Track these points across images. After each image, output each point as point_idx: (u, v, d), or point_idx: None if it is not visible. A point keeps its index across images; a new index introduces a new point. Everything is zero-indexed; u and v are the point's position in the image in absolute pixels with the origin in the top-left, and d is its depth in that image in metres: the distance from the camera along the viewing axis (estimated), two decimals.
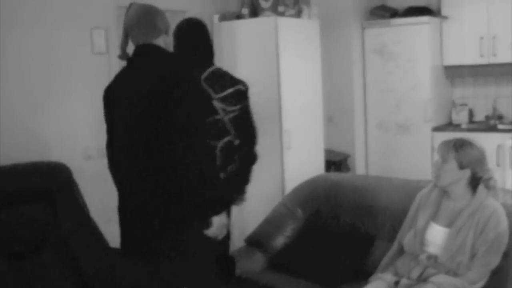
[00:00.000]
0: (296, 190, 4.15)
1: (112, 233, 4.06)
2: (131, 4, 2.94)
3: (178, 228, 2.79)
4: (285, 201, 4.12)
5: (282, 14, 5.20)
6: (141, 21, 2.86)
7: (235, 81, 3.61)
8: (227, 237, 3.25)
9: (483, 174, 3.05)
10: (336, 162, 6.09)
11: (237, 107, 3.57)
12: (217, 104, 3.52)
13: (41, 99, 4.02)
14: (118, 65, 4.49)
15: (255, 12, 5.36)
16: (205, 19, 5.21)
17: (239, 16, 5.43)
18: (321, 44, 5.62)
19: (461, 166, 3.02)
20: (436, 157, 3.17)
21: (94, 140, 4.32)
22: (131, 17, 2.88)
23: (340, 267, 3.48)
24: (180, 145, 2.68)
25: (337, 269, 3.47)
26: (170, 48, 3.07)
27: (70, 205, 3.55)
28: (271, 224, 3.99)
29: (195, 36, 3.65)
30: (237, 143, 3.57)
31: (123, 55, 2.94)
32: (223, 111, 3.53)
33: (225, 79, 3.59)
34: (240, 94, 3.59)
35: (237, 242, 4.45)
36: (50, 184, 3.50)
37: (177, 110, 2.66)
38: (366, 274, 3.27)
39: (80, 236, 3.52)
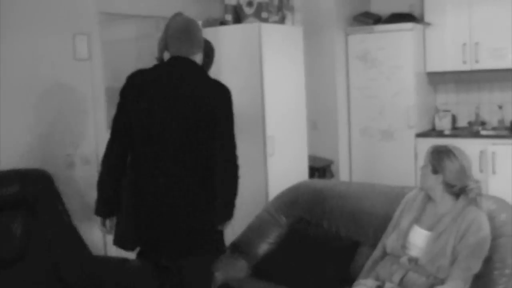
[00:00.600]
0: (279, 197, 4.14)
1: (94, 240, 4.04)
2: (177, 14, 3.24)
3: (208, 224, 3.06)
4: (269, 207, 4.11)
5: (265, 20, 5.20)
6: (187, 36, 3.03)
7: None
8: None
9: (460, 185, 3.05)
10: (319, 169, 6.09)
11: None
12: None
13: (22, 105, 3.99)
14: (100, 71, 4.49)
15: (238, 18, 5.36)
16: None
17: (222, 22, 5.43)
18: (304, 50, 5.62)
19: (434, 171, 3.08)
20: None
21: (76, 148, 4.29)
22: (178, 28, 3.06)
23: (323, 274, 3.47)
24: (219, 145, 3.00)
25: (320, 276, 3.46)
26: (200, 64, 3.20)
27: (52, 213, 3.53)
28: (255, 231, 3.98)
29: None
30: None
31: (160, 59, 3.24)
32: None
33: None
34: None
35: None
36: (31, 191, 3.47)
37: (221, 121, 2.98)
38: (349, 281, 3.26)
39: (62, 243, 3.50)
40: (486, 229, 2.98)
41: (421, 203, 3.20)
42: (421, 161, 3.23)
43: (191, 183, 3.00)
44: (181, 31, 3.03)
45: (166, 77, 3.03)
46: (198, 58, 3.08)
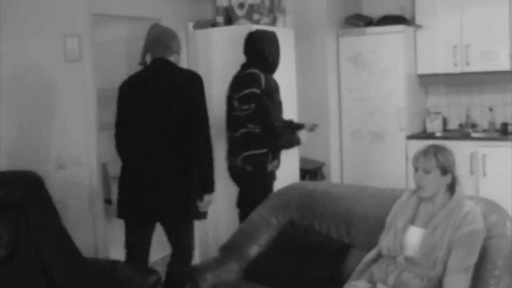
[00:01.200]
0: (270, 199, 4.14)
1: (84, 242, 4.02)
2: (154, 25, 3.97)
3: (183, 196, 3.72)
4: (260, 209, 4.09)
5: (257, 22, 5.20)
6: (160, 42, 3.80)
7: (251, 84, 4.28)
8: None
9: (457, 173, 3.14)
10: (311, 171, 6.09)
11: (251, 106, 4.25)
12: (235, 103, 4.35)
13: (12, 107, 3.97)
14: (91, 73, 4.47)
15: (230, 20, 5.36)
16: (180, 27, 5.23)
17: (214, 24, 5.43)
18: (296, 52, 5.63)
19: (444, 172, 3.08)
20: (414, 169, 3.17)
21: (67, 149, 4.28)
22: (153, 36, 3.83)
23: (314, 276, 3.46)
24: (194, 127, 3.64)
25: (311, 278, 3.46)
26: (178, 64, 3.90)
27: (42, 215, 3.51)
28: (245, 232, 3.97)
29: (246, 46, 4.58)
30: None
31: (142, 63, 3.89)
32: (239, 109, 4.31)
33: (241, 82, 4.36)
34: (253, 95, 4.25)
35: (211, 251, 4.43)
36: (21, 193, 3.45)
37: (193, 104, 3.65)
38: (340, 284, 3.25)
39: (52, 245, 3.48)
40: (480, 222, 3.00)
41: (414, 205, 3.21)
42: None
43: (171, 160, 3.68)
44: (158, 37, 3.81)
45: (150, 75, 3.78)
46: (173, 58, 3.82)
